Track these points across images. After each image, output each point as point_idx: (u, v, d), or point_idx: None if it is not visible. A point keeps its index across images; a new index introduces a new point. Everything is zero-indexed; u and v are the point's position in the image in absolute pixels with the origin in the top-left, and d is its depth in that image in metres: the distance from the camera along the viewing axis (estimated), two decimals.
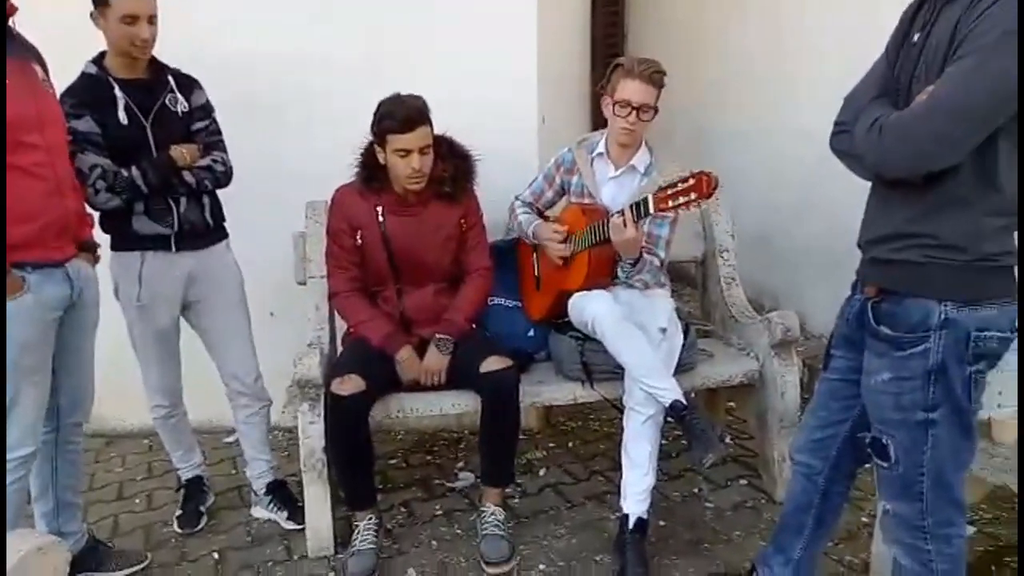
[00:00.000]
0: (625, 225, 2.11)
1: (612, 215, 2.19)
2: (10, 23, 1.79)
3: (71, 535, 2.13)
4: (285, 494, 2.52)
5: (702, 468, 2.30)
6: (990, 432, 1.86)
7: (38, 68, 1.86)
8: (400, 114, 2.13)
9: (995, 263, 1.32)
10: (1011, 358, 1.86)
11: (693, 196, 1.94)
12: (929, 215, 1.32)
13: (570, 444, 3.04)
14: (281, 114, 2.86)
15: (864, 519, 2.32)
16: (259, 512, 2.55)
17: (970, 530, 2.13)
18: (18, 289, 1.75)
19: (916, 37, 1.35)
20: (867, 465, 1.57)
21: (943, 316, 1.33)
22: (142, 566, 2.26)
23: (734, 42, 4.14)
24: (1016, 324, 1.36)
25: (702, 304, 2.95)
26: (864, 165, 1.38)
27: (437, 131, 2.27)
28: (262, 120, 2.78)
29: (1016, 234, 1.33)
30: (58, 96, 2.05)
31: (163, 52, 2.21)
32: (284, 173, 2.83)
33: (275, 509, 2.51)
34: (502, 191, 2.59)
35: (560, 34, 3.49)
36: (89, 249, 2.02)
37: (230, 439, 3.04)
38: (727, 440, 2.92)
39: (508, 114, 2.83)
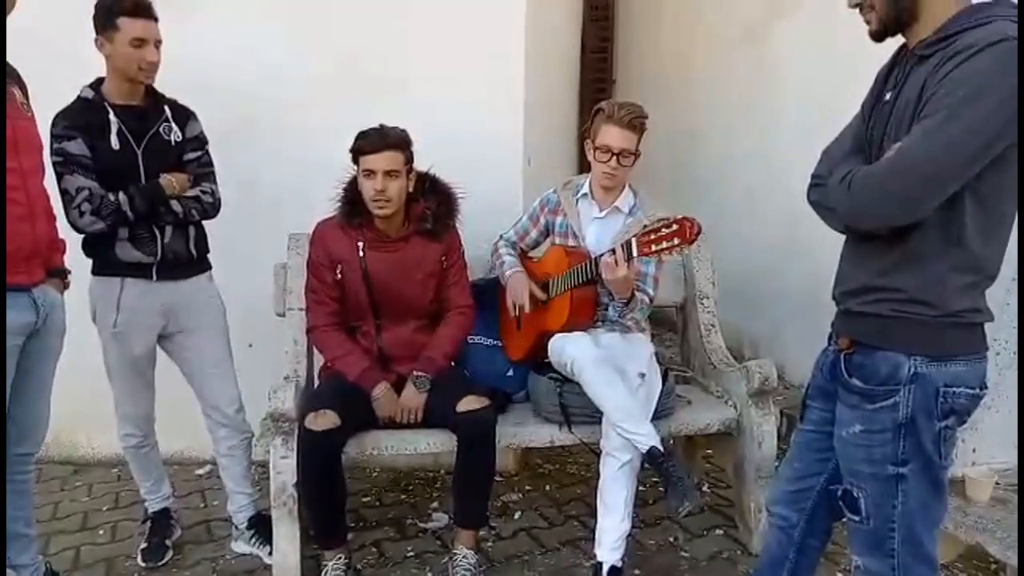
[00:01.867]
0: (617, 264, 2.12)
1: (603, 255, 2.19)
2: None
3: (24, 567, 2.05)
4: (269, 529, 2.41)
5: (678, 516, 2.28)
6: (964, 490, 1.86)
7: (16, 91, 1.84)
8: (372, 135, 2.17)
9: (963, 320, 1.33)
10: (985, 416, 1.89)
11: (676, 241, 1.96)
12: (897, 269, 1.34)
13: (546, 487, 3.00)
14: (269, 142, 2.86)
15: (839, 574, 2.29)
16: (240, 547, 2.48)
17: None
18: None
19: (888, 96, 1.38)
20: (843, 519, 1.56)
21: (912, 370, 1.34)
22: None
23: (717, 92, 4.23)
24: (985, 381, 1.36)
25: (682, 350, 2.95)
26: (836, 217, 1.41)
27: (422, 168, 2.29)
28: (248, 148, 2.79)
29: (986, 293, 1.35)
30: (52, 118, 2.06)
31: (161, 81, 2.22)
32: (268, 203, 2.83)
33: (257, 544, 2.44)
34: (486, 231, 2.60)
35: (548, 76, 3.53)
36: (59, 275, 1.99)
37: (201, 471, 2.98)
38: (703, 489, 2.89)
39: (494, 155, 2.85)
